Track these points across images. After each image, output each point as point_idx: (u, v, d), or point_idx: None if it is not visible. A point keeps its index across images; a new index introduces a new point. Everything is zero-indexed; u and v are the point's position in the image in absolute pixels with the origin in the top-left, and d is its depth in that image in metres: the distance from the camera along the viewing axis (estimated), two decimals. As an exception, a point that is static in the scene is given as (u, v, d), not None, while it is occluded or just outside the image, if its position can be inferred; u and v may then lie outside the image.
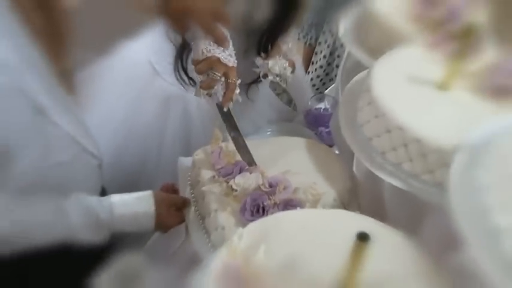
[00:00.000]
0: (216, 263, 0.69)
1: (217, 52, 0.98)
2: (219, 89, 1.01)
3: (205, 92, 1.01)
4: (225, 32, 0.98)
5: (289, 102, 1.53)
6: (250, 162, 1.01)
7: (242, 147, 1.03)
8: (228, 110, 1.02)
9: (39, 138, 0.94)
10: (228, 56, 1.00)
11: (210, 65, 0.99)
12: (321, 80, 1.91)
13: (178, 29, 1.02)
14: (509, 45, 0.93)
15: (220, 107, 1.02)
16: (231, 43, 1.01)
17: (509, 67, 0.89)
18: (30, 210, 0.93)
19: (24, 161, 0.91)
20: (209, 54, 0.98)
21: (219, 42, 0.97)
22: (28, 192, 0.94)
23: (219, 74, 0.99)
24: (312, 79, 1.91)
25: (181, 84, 1.31)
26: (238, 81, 1.02)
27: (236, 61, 1.03)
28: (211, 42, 0.98)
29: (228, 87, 1.01)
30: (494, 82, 0.89)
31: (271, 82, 1.33)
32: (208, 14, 0.94)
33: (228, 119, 1.04)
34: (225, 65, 1.00)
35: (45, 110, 0.93)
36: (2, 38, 0.85)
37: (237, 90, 1.02)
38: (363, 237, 0.62)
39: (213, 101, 1.03)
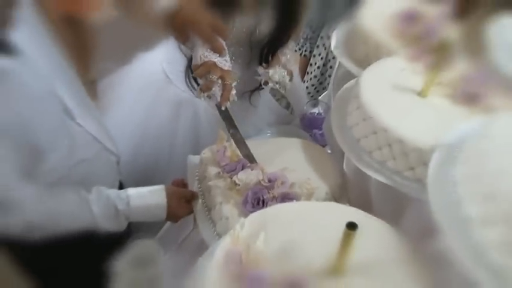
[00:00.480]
0: (220, 249, 0.69)
1: (213, 57, 0.98)
2: (216, 90, 1.00)
3: (205, 93, 1.00)
4: (222, 42, 0.99)
5: (287, 106, 1.52)
6: (248, 155, 1.00)
7: (240, 142, 1.03)
8: (226, 109, 1.02)
9: (67, 138, 0.94)
10: (223, 60, 1.00)
11: (208, 68, 0.98)
12: (315, 88, 1.90)
13: (182, 40, 1.02)
14: (476, 58, 0.93)
15: (219, 106, 1.02)
16: (226, 49, 1.01)
17: (477, 77, 0.89)
18: (59, 201, 0.93)
19: (54, 157, 0.92)
20: (206, 59, 0.98)
21: (217, 50, 0.98)
22: (56, 186, 0.95)
23: (216, 77, 0.99)
24: (307, 87, 1.90)
25: (191, 90, 1.31)
26: (234, 84, 1.02)
27: (231, 65, 1.02)
28: (208, 49, 0.98)
29: (225, 89, 1.00)
30: (466, 90, 0.89)
31: (272, 89, 1.32)
32: (207, 26, 0.96)
33: (226, 117, 1.03)
34: (221, 69, 0.99)
35: (72, 113, 0.94)
36: (38, 50, 0.86)
37: (233, 91, 1.01)
38: (351, 226, 0.62)
39: (213, 102, 1.02)
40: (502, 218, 0.59)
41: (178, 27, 0.99)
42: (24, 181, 0.88)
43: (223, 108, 1.01)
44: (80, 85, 0.99)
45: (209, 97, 1.01)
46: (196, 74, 1.01)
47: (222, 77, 1.00)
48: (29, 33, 0.84)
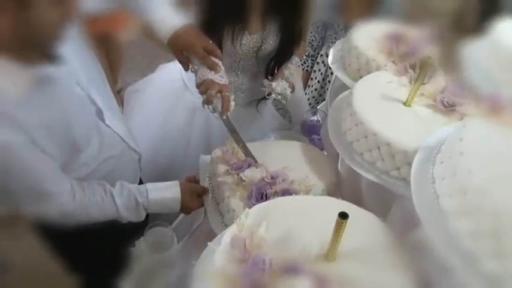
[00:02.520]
0: (227, 235, 0.70)
1: (210, 75, 1.03)
2: (217, 103, 1.03)
3: (208, 106, 1.04)
4: (216, 60, 1.04)
5: (286, 115, 1.52)
6: (247, 153, 1.03)
7: (241, 143, 1.05)
8: (227, 117, 1.05)
9: (98, 137, 0.97)
10: (219, 77, 1.04)
11: (207, 85, 1.03)
12: (315, 99, 1.91)
13: (184, 62, 1.07)
14: (453, 74, 0.95)
15: (221, 115, 1.05)
16: (223, 68, 1.06)
17: (453, 90, 0.91)
18: (88, 194, 0.95)
19: (87, 154, 0.95)
20: (204, 78, 1.03)
21: (211, 68, 1.03)
22: (86, 179, 0.97)
23: (215, 92, 1.02)
24: (308, 99, 1.90)
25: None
26: (233, 96, 1.05)
27: (227, 80, 1.06)
28: (206, 69, 1.03)
29: (224, 100, 1.03)
30: (444, 100, 0.91)
31: (274, 99, 1.33)
32: (200, 48, 1.03)
33: (228, 124, 1.06)
34: (218, 84, 1.03)
35: (102, 116, 0.98)
36: (79, 61, 0.91)
37: (232, 102, 1.04)
38: (343, 216, 0.64)
39: (216, 112, 1.05)
40: (473, 210, 0.61)
41: (179, 51, 1.05)
42: (62, 175, 0.91)
43: (224, 117, 1.04)
44: (110, 91, 1.03)
45: (213, 109, 1.04)
46: (199, 92, 1.05)
47: (220, 91, 1.03)
48: (72, 48, 0.88)
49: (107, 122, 0.99)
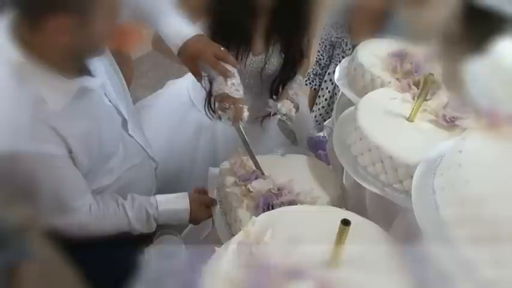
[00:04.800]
0: (234, 241, 0.74)
1: (226, 89, 1.06)
2: (230, 114, 1.07)
3: (223, 115, 1.08)
4: (229, 67, 1.06)
5: (291, 136, 1.54)
6: (256, 164, 1.06)
7: (250, 154, 1.08)
8: (240, 128, 1.09)
9: (123, 146, 1.02)
10: (234, 90, 1.07)
11: (222, 99, 1.07)
12: (322, 117, 1.94)
13: (194, 71, 1.09)
14: (455, 90, 0.99)
15: (234, 126, 1.09)
16: (238, 77, 1.08)
17: (455, 106, 0.95)
18: (104, 208, 0.99)
19: (113, 162, 1.00)
20: (220, 92, 1.07)
21: (223, 73, 1.05)
22: (110, 188, 1.01)
23: (228, 104, 1.06)
24: (315, 116, 1.93)
25: (208, 116, 1.35)
26: (246, 107, 1.09)
27: (243, 93, 1.09)
28: (222, 83, 1.06)
29: (236, 111, 1.07)
30: (446, 115, 0.94)
31: (279, 120, 1.35)
32: (211, 54, 1.05)
33: (240, 133, 1.10)
34: (233, 98, 1.07)
35: (127, 126, 1.02)
36: (107, 75, 0.97)
37: (245, 113, 1.08)
38: (345, 223, 0.67)
39: (229, 123, 1.10)
40: (471, 218, 0.64)
41: (190, 60, 1.07)
42: (86, 190, 0.95)
43: (235, 126, 1.09)
44: (131, 102, 1.08)
45: (229, 119, 1.09)
46: (215, 101, 1.10)
47: (234, 103, 1.07)
48: (101, 60, 0.94)
49: (130, 132, 1.04)
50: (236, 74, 1.08)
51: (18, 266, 0.78)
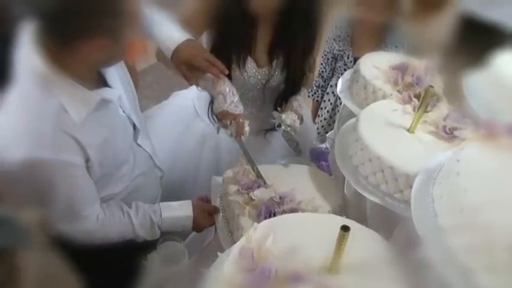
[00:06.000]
0: (236, 247, 0.75)
1: (225, 107, 1.13)
2: (232, 129, 1.13)
3: (225, 130, 1.14)
4: (219, 71, 1.11)
5: (295, 146, 1.56)
6: (258, 174, 1.09)
7: (252, 165, 1.11)
8: (241, 140, 1.14)
9: (132, 155, 1.05)
10: (234, 107, 1.13)
11: (223, 115, 1.12)
12: (325, 129, 1.96)
13: (185, 74, 1.12)
14: (455, 102, 1.01)
15: (235, 139, 1.14)
16: (237, 95, 1.14)
17: (455, 117, 0.97)
18: (109, 216, 1.01)
19: (124, 170, 1.02)
20: (220, 110, 1.12)
21: (214, 75, 1.11)
22: (119, 195, 1.03)
23: (229, 121, 1.12)
24: (317, 128, 1.96)
25: (212, 124, 1.37)
26: (247, 122, 1.14)
27: (242, 109, 1.15)
28: (221, 100, 1.12)
29: (238, 126, 1.13)
30: (446, 127, 0.96)
31: (284, 131, 1.37)
32: (203, 59, 1.10)
33: (241, 146, 1.14)
34: (233, 114, 1.13)
35: (136, 135, 1.05)
36: (121, 87, 1.00)
37: (247, 128, 1.14)
38: (345, 229, 0.69)
39: (231, 136, 1.15)
40: (468, 226, 0.66)
41: (181, 64, 1.10)
42: (96, 199, 0.97)
43: (238, 139, 1.13)
44: (140, 112, 1.11)
45: (232, 135, 1.14)
46: (218, 118, 1.15)
47: (235, 119, 1.13)
48: (116, 73, 0.98)
49: (138, 141, 1.07)
50: (235, 92, 1.14)
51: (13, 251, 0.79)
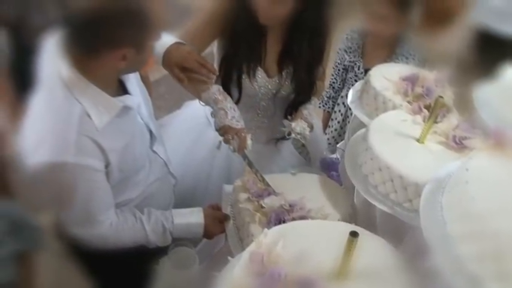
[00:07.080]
0: (247, 251, 0.77)
1: (227, 122, 1.15)
2: (235, 143, 1.15)
3: (229, 146, 1.16)
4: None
5: (305, 155, 1.57)
6: (266, 184, 1.10)
7: (259, 175, 1.13)
8: (244, 153, 1.16)
9: (148, 161, 1.08)
10: (235, 122, 1.16)
11: (225, 131, 1.15)
12: (335, 139, 1.97)
13: (176, 75, 1.14)
14: (466, 113, 1.02)
15: (238, 153, 1.16)
16: (238, 111, 1.17)
17: (465, 127, 0.98)
18: (122, 222, 1.03)
19: (140, 176, 1.05)
20: (221, 125, 1.15)
21: (205, 76, 1.13)
22: (134, 200, 1.06)
23: (231, 136, 1.14)
24: (328, 138, 1.96)
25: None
26: (249, 135, 1.16)
27: (243, 124, 1.17)
28: (222, 115, 1.14)
29: (240, 140, 1.14)
30: (455, 137, 0.97)
31: (293, 139, 1.38)
32: (194, 60, 1.12)
33: (246, 159, 1.16)
34: (234, 128, 1.15)
35: (153, 143, 1.08)
36: (140, 95, 1.03)
37: (249, 141, 1.16)
38: (354, 234, 0.70)
39: (234, 151, 1.17)
40: (476, 234, 0.67)
41: (172, 66, 1.13)
42: (111, 204, 0.99)
43: (241, 153, 1.16)
44: (155, 119, 1.14)
45: (235, 150, 1.17)
46: (219, 134, 1.18)
47: (236, 133, 1.15)
48: (134, 81, 1.02)
49: (153, 148, 1.10)
50: (236, 109, 1.17)
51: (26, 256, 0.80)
